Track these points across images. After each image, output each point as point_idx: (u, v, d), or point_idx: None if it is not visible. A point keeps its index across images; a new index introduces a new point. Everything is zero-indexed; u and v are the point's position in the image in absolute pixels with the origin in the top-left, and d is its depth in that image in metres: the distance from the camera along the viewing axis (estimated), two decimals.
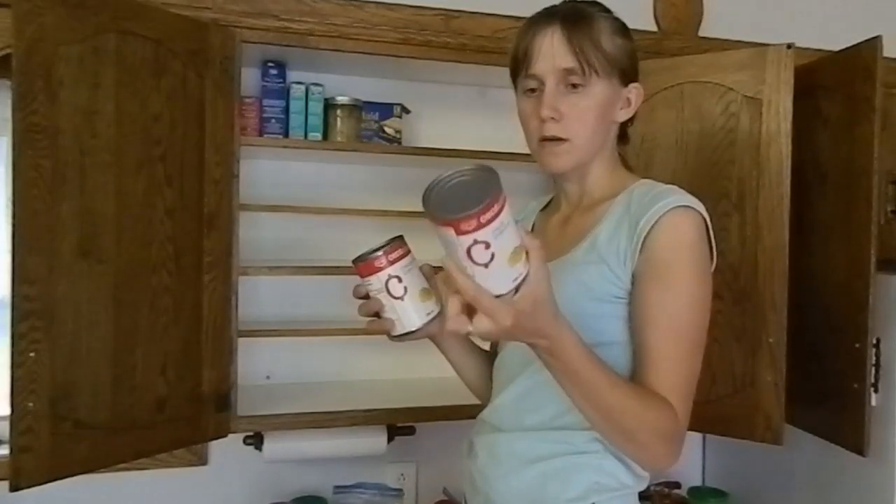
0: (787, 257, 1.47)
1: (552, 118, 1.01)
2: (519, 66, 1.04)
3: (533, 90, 1.04)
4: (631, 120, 1.11)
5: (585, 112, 1.02)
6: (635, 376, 0.97)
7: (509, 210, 0.72)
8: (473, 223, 0.70)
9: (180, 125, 1.40)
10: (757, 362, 1.49)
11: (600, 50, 1.01)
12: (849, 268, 1.45)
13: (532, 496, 1.02)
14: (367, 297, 1.05)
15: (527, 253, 0.75)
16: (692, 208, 0.97)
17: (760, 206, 1.49)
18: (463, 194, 0.72)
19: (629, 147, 1.59)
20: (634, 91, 1.07)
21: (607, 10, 1.07)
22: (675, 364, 0.95)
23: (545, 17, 1.03)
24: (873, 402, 1.42)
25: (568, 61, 1.00)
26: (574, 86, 1.01)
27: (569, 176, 1.09)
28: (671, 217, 0.96)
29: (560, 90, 1.01)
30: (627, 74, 1.05)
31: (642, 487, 1.05)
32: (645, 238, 0.96)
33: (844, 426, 1.44)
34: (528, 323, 0.78)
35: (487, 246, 0.71)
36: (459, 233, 0.70)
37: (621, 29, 1.06)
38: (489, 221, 0.70)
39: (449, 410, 1.63)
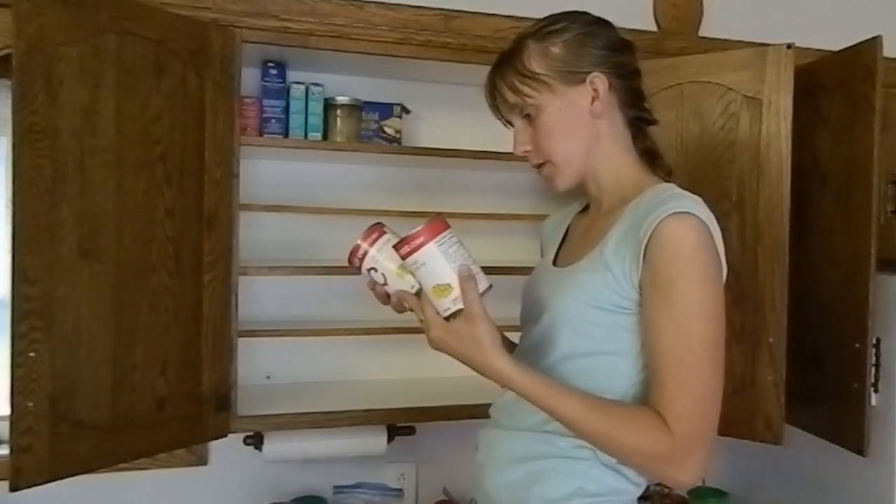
0: (787, 257, 1.47)
1: (526, 150, 1.09)
2: None
3: None
4: (638, 99, 1.11)
5: (545, 130, 1.06)
6: (646, 391, 0.97)
7: (437, 252, 0.93)
8: (403, 250, 0.95)
9: (180, 125, 1.40)
10: (757, 362, 1.49)
11: (530, 76, 1.04)
12: (849, 268, 1.45)
13: (519, 493, 1.04)
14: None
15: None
16: (691, 213, 0.93)
17: (760, 206, 1.49)
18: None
19: None
20: (597, 80, 1.04)
21: (544, 25, 1.07)
22: (681, 383, 0.91)
23: (488, 73, 1.11)
24: (873, 402, 1.42)
25: (507, 104, 1.08)
26: (527, 116, 1.06)
27: (584, 181, 1.11)
28: (668, 224, 0.92)
29: (523, 123, 1.09)
30: (577, 73, 1.04)
31: (637, 494, 1.04)
32: (645, 247, 0.94)
33: (844, 426, 1.44)
34: (453, 342, 0.95)
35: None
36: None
37: (557, 33, 1.05)
38: (408, 255, 0.94)
39: (449, 410, 1.63)
